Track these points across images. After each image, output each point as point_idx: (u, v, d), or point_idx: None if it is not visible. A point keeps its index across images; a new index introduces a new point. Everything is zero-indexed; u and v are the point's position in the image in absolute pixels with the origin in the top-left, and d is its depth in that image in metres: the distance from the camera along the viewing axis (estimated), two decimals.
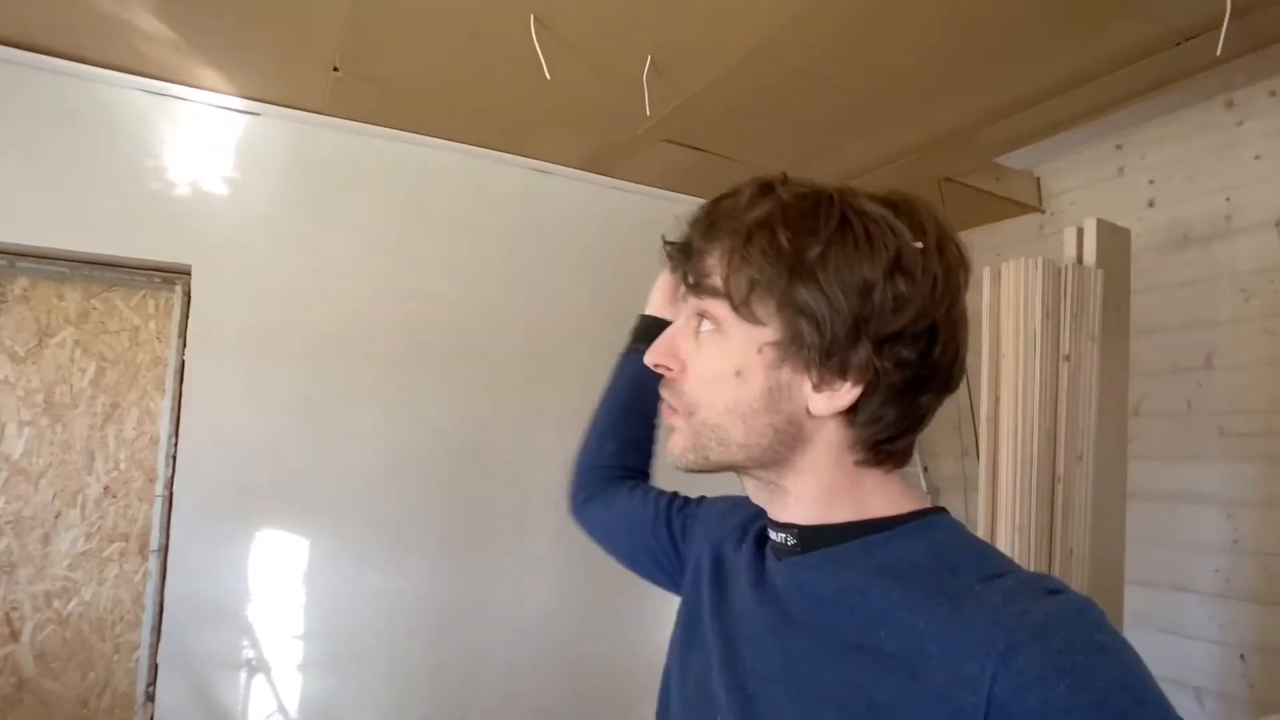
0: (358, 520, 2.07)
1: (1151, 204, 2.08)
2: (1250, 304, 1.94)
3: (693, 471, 0.59)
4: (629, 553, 0.83)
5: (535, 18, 1.60)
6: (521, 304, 2.31)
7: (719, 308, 0.54)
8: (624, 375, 0.92)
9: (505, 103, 1.98)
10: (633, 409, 0.91)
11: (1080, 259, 1.78)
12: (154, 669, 1.88)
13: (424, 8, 1.57)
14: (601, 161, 2.34)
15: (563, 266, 2.38)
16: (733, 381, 0.55)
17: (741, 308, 0.53)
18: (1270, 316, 1.91)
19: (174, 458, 1.91)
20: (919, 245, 0.52)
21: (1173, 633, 2.05)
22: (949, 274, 0.53)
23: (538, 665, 2.24)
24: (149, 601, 1.91)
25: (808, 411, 0.54)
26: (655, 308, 0.91)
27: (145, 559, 1.95)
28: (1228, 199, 1.95)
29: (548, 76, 1.66)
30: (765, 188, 0.55)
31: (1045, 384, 1.69)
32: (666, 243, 0.60)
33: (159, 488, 1.93)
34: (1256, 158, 1.91)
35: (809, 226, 0.52)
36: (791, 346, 0.53)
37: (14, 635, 1.85)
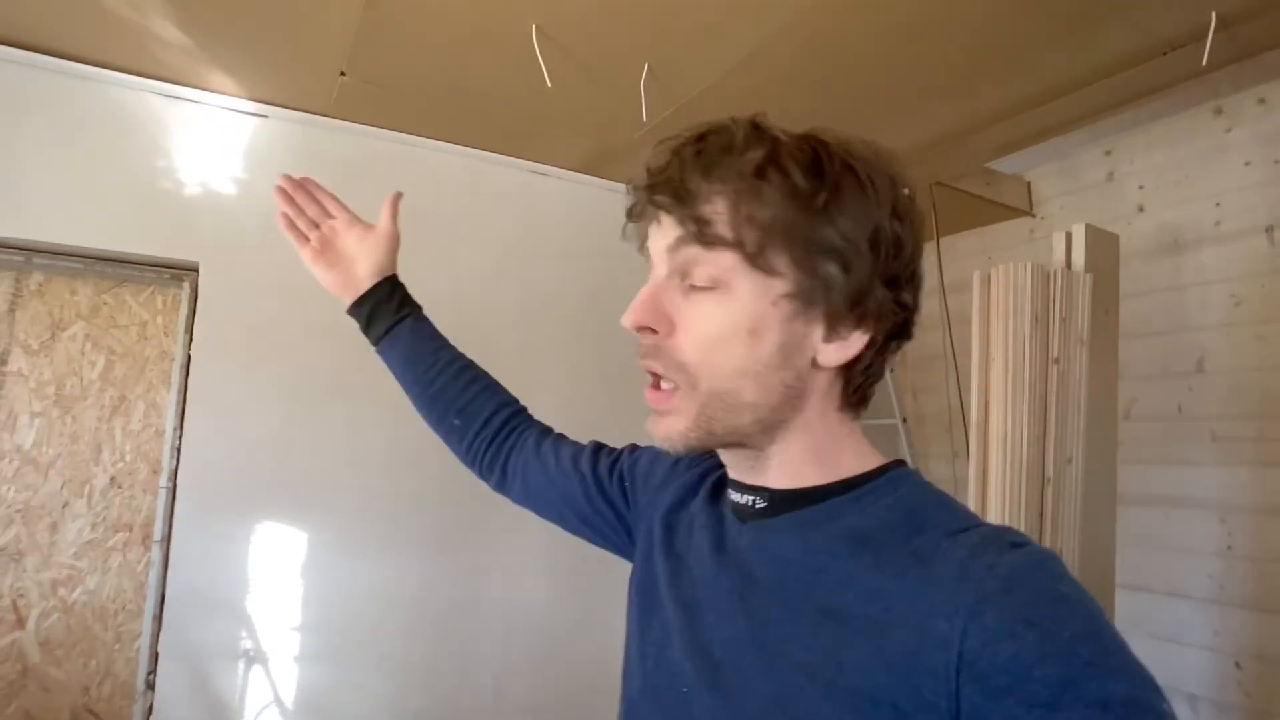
0: (355, 513, 2.13)
1: (1141, 209, 2.13)
2: (1241, 309, 1.98)
3: (691, 452, 0.55)
4: (571, 526, 0.80)
5: (537, 27, 1.67)
6: (517, 301, 2.37)
7: (725, 259, 0.50)
8: (400, 359, 0.87)
9: (505, 107, 2.06)
10: (436, 374, 0.86)
11: (1069, 264, 1.82)
12: (154, 658, 1.94)
13: (431, 16, 1.65)
14: (597, 164, 2.41)
15: (557, 265, 2.44)
16: (745, 340, 0.51)
17: (756, 257, 0.50)
18: (1261, 322, 1.95)
19: (179, 450, 1.97)
20: (907, 191, 0.53)
21: (1167, 639, 2.07)
22: (922, 220, 0.55)
23: (531, 660, 2.28)
24: (151, 591, 1.97)
25: (813, 363, 0.53)
26: (350, 289, 0.87)
27: (148, 549, 2.01)
28: (1217, 204, 1.99)
29: (548, 84, 1.73)
30: (758, 126, 0.52)
31: (1035, 387, 1.73)
32: (641, 187, 0.54)
33: (163, 479, 2.00)
34: (1246, 164, 1.95)
35: (817, 168, 0.50)
36: (811, 296, 0.51)
37: (20, 622, 1.91)
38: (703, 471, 0.69)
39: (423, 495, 2.20)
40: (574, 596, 2.35)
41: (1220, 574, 2.00)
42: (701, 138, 0.52)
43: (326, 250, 0.88)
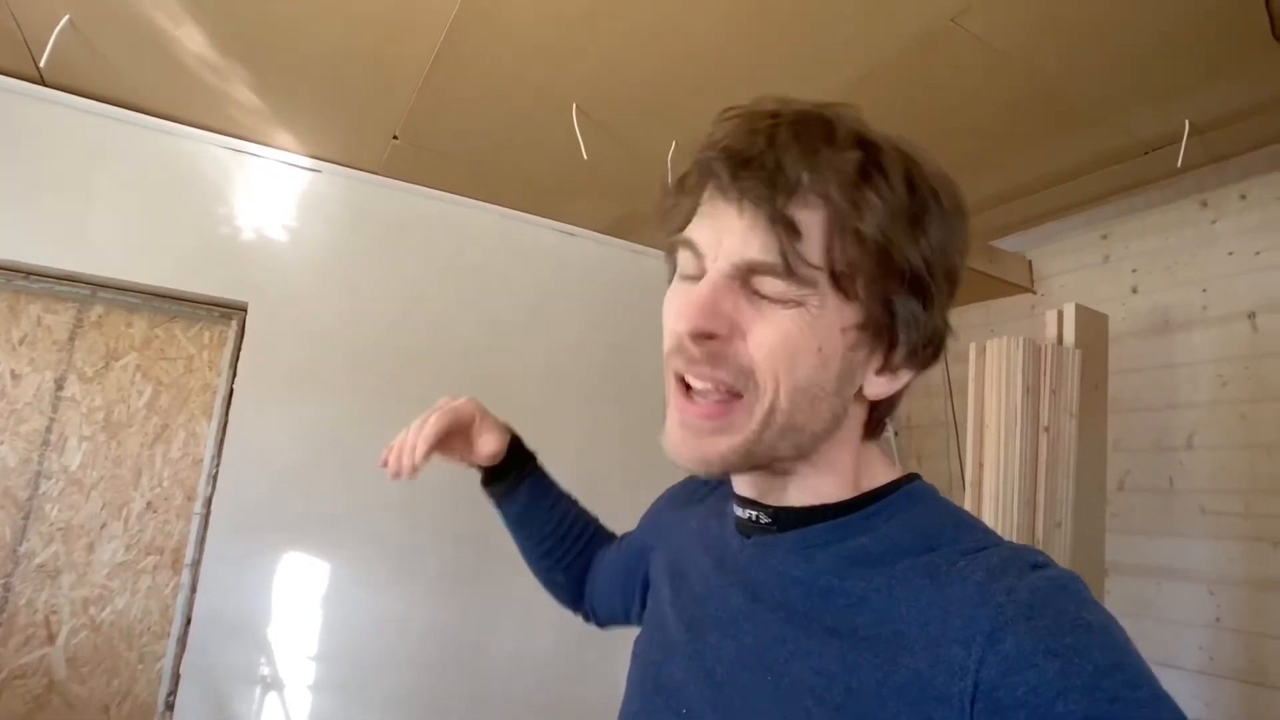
0: (373, 548, 2.36)
1: (1135, 290, 2.40)
2: (1227, 389, 2.23)
3: (723, 474, 0.56)
4: (637, 620, 0.80)
5: (577, 105, 1.98)
6: (543, 350, 2.66)
7: (809, 274, 0.48)
8: (514, 519, 0.91)
9: (542, 173, 2.38)
10: (547, 535, 0.91)
11: (1060, 339, 2.09)
12: (175, 679, 2.15)
13: (482, 93, 1.97)
14: (622, 227, 2.73)
15: (581, 318, 2.74)
16: (814, 358, 0.50)
17: (841, 278, 0.48)
18: (1246, 402, 2.20)
19: (215, 478, 2.22)
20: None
21: None
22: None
23: (536, 701, 2.48)
24: (177, 614, 2.20)
25: (858, 393, 0.53)
26: (483, 457, 0.87)
27: (177, 573, 2.24)
28: (1204, 290, 2.27)
29: (585, 157, 2.03)
30: (858, 129, 0.50)
31: (1026, 453, 1.97)
32: (717, 160, 0.49)
33: (198, 506, 2.24)
34: (1230, 254, 2.24)
35: (911, 182, 0.49)
36: (879, 330, 0.51)
37: (50, 638, 2.13)
38: (709, 486, 0.73)
39: (439, 535, 2.43)
40: (579, 641, 2.55)
41: (1210, 645, 2.20)
42: (800, 119, 0.49)
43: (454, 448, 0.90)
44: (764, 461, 0.53)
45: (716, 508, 0.67)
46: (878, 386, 0.53)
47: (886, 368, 0.52)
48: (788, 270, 0.47)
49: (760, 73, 1.80)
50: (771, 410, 0.50)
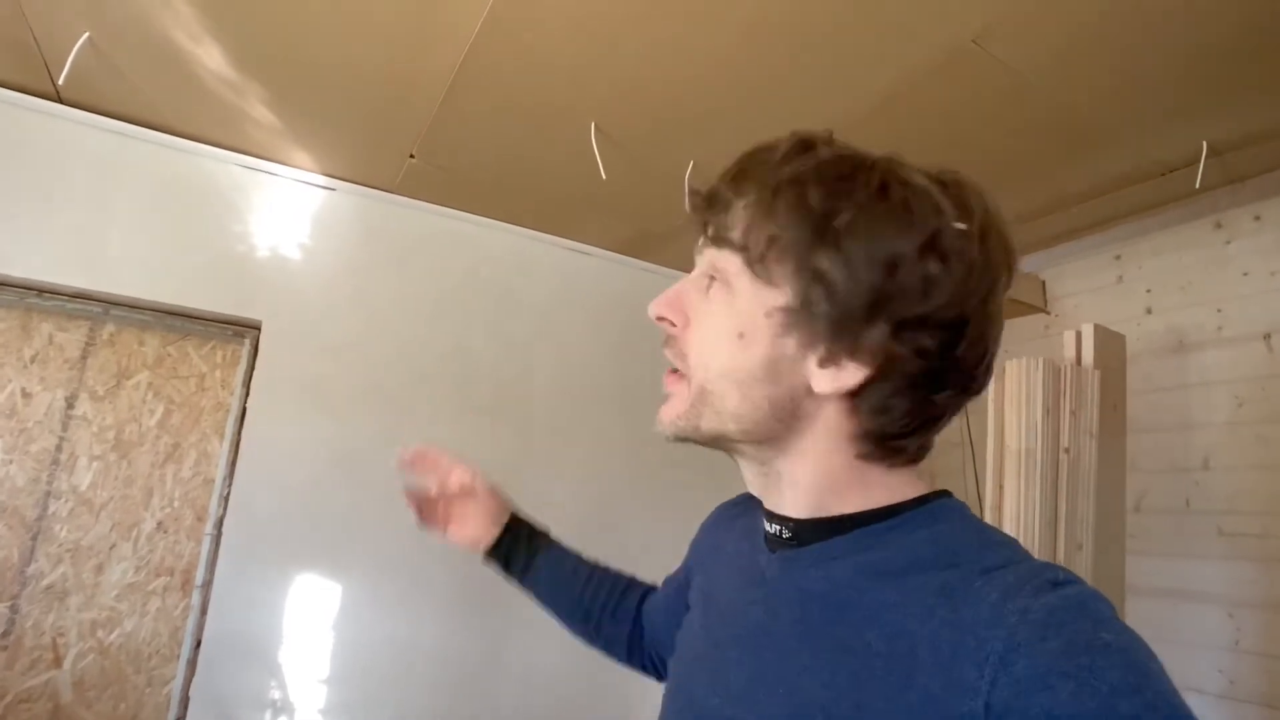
0: (387, 569, 2.33)
1: (1149, 311, 2.39)
2: (1243, 410, 2.21)
3: (681, 440, 0.60)
4: None
5: (595, 125, 1.97)
6: (552, 369, 2.65)
7: (733, 262, 0.55)
8: (546, 585, 0.95)
9: (557, 192, 2.37)
10: (582, 588, 0.93)
11: (1079, 360, 2.08)
12: (184, 703, 2.10)
13: (500, 111, 1.96)
14: (635, 246, 2.71)
15: (590, 336, 2.73)
16: (734, 343, 0.55)
17: (757, 264, 0.54)
18: (1262, 423, 2.18)
19: (226, 498, 2.19)
20: (961, 227, 0.52)
21: None
22: (988, 264, 0.53)
23: None
24: (187, 636, 2.15)
25: (809, 389, 0.54)
26: (474, 542, 0.96)
27: (186, 594, 2.20)
28: (1219, 310, 2.26)
29: (603, 176, 2.02)
30: (805, 144, 0.56)
31: (1046, 474, 1.95)
32: (692, 190, 0.61)
33: (209, 526, 2.20)
34: (1244, 274, 2.23)
35: (844, 189, 0.52)
36: (801, 314, 0.53)
37: (57, 661, 2.08)
38: (743, 507, 0.74)
39: (450, 555, 2.38)
40: (589, 660, 2.50)
41: (1230, 669, 2.17)
42: (753, 151, 0.57)
43: (453, 521, 0.99)
44: (714, 442, 0.59)
45: (749, 527, 0.68)
46: (822, 381, 0.53)
47: (831, 361, 0.53)
48: (715, 240, 0.56)
49: (779, 94, 1.79)
50: (702, 390, 0.57)
